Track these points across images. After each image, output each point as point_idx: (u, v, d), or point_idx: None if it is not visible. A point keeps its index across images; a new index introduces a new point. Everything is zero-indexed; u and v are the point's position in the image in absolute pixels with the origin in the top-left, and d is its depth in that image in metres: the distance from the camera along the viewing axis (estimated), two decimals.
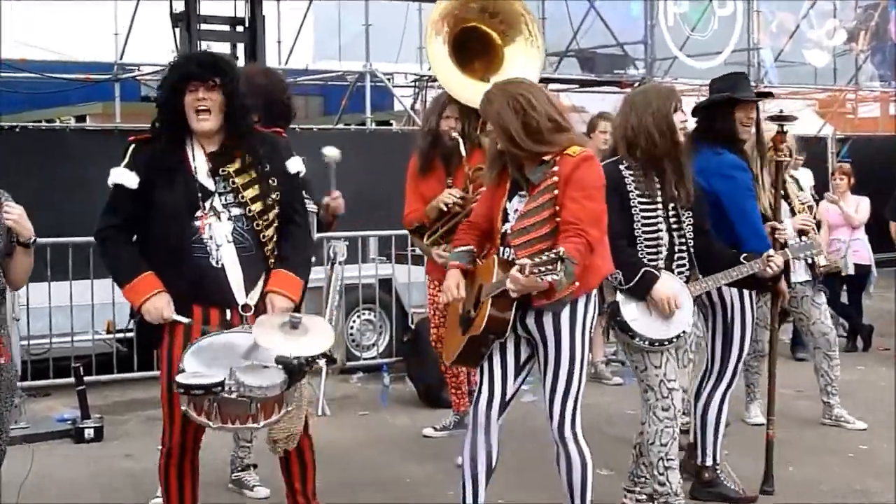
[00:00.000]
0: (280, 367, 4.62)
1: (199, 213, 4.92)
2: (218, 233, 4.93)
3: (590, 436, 5.27)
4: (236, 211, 4.97)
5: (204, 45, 10.68)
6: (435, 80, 16.77)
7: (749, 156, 6.42)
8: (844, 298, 11.79)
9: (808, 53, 21.15)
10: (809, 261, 6.19)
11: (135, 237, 5.03)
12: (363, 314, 10.44)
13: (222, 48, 11.21)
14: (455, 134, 7.19)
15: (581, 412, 5.20)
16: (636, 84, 18.55)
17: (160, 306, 4.88)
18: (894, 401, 9.05)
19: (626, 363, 9.86)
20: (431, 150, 7.35)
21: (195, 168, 4.97)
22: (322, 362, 4.91)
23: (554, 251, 4.68)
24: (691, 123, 6.07)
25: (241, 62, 10.60)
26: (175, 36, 10.56)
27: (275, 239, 5.07)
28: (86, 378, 8.39)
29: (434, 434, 8.06)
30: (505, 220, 5.17)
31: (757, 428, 8.28)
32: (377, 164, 12.89)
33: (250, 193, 4.99)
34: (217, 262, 4.92)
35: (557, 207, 5.00)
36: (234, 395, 4.56)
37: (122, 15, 16.21)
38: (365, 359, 10.38)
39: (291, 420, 5.16)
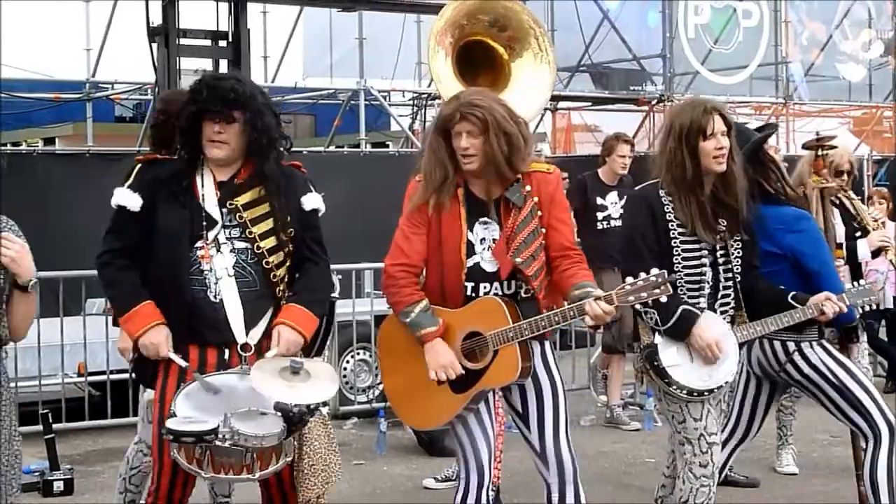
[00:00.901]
0: (279, 414, 4.60)
1: (200, 244, 4.93)
2: (218, 265, 4.93)
3: (606, 485, 5.26)
4: (241, 245, 4.98)
5: (184, 62, 10.71)
6: (435, 98, 16.92)
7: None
8: (883, 334, 11.76)
9: (842, 67, 21.21)
10: (867, 308, 6.10)
11: (137, 263, 5.04)
12: (357, 354, 10.43)
13: (203, 64, 11.26)
14: None
15: (596, 459, 5.19)
16: (654, 102, 18.62)
17: (157, 342, 4.89)
18: None
19: (646, 407, 9.91)
20: None
21: (203, 196, 4.99)
22: (325, 410, 4.90)
23: (653, 274, 4.92)
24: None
25: None
26: (152, 51, 10.59)
27: (286, 279, 5.07)
28: (55, 425, 8.38)
29: (436, 485, 8.03)
30: (470, 253, 5.13)
31: (789, 478, 8.27)
32: (372, 188, 12.92)
33: (260, 229, 4.99)
34: (215, 297, 4.92)
35: (543, 230, 5.08)
36: (227, 444, 4.54)
37: (94, 29, 16.23)
38: (360, 403, 10.36)
39: (318, 473, 5.14)
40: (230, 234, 4.98)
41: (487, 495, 5.23)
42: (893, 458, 6.01)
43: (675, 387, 5.40)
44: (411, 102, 18.93)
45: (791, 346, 6.08)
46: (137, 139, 14.71)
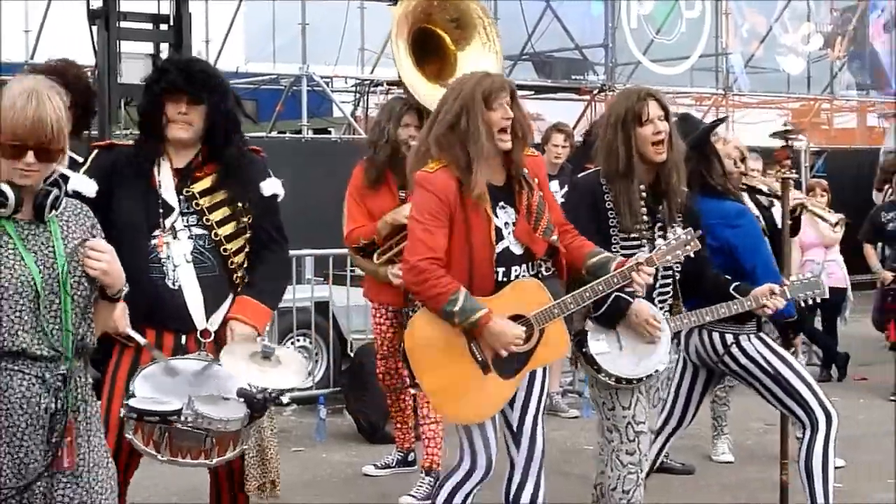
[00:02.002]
0: (241, 400, 4.57)
1: (157, 231, 4.92)
2: (176, 252, 4.91)
3: (545, 473, 5.27)
4: (199, 231, 4.96)
5: (125, 45, 10.62)
6: (377, 85, 16.93)
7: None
8: (818, 324, 11.89)
9: (782, 59, 21.38)
10: (810, 302, 6.14)
11: None
12: (297, 340, 10.40)
13: (145, 48, 11.16)
14: (413, 143, 7.17)
15: None
16: (595, 91, 18.69)
17: (116, 316, 4.78)
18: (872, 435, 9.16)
19: (584, 394, 9.95)
20: (387, 162, 7.29)
21: (160, 182, 4.97)
22: (285, 399, 4.87)
23: (683, 232, 5.22)
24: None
25: None
26: (92, 34, 10.48)
27: (245, 265, 5.05)
28: None
29: (375, 472, 8.04)
30: (499, 238, 5.03)
31: (724, 466, 8.36)
32: (314, 175, 12.89)
33: (217, 216, 4.98)
34: (174, 284, 4.91)
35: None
36: (189, 427, 4.49)
37: (33, 10, 16.09)
38: (299, 390, 10.33)
39: (272, 460, 5.12)
40: (188, 220, 4.96)
41: (476, 485, 5.19)
42: (829, 447, 6.10)
43: (603, 374, 5.44)
44: (354, 89, 18.89)
45: (729, 337, 6.14)
46: None
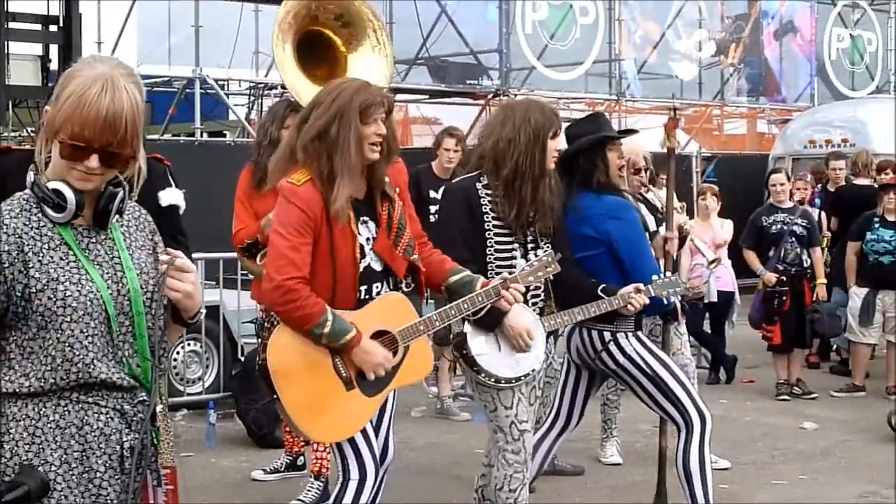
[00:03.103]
0: None
1: None
2: None
3: (435, 477, 5.29)
4: None
5: (13, 46, 10.47)
6: (272, 89, 16.84)
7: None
8: (706, 327, 12.04)
9: (675, 66, 21.63)
10: (672, 299, 6.25)
11: None
12: (188, 345, 10.30)
13: (34, 49, 11.01)
14: None
15: (426, 450, 5.23)
16: (490, 96, 18.76)
17: None
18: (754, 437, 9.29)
19: (475, 399, 9.98)
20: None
21: None
22: (159, 408, 4.79)
23: (543, 254, 5.33)
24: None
25: (54, 65, 10.43)
26: None
27: None
28: None
29: (264, 477, 7.99)
30: (361, 255, 4.93)
31: (613, 467, 8.43)
32: (207, 178, 12.76)
33: None
34: None
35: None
36: None
37: None
38: (189, 394, 10.23)
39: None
40: None
41: (372, 491, 5.10)
42: (704, 448, 6.19)
43: (483, 375, 5.51)
44: (248, 92, 18.80)
45: (607, 335, 6.21)
46: None
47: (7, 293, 3.03)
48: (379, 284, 5.01)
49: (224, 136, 18.51)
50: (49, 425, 3.05)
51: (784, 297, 11.00)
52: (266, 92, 17.31)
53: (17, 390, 3.05)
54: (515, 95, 17.78)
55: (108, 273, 3.13)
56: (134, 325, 3.15)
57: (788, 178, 11.82)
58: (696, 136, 22.45)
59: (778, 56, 23.35)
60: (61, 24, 10.64)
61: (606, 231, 6.08)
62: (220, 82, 16.98)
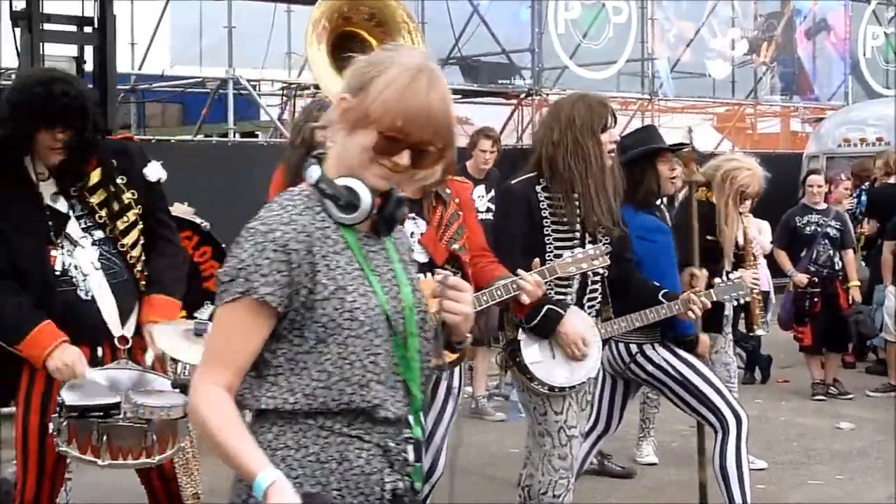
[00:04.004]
0: (177, 391, 4.52)
1: (58, 242, 4.73)
2: (82, 261, 4.74)
3: (470, 477, 5.31)
4: (99, 234, 4.81)
5: (48, 48, 10.52)
6: (304, 89, 16.88)
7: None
8: (741, 326, 11.99)
9: (710, 64, 21.57)
10: (735, 304, 6.23)
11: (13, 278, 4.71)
12: None
13: (68, 51, 11.06)
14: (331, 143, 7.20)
15: (461, 450, 5.25)
16: (522, 96, 18.74)
17: (73, 360, 4.61)
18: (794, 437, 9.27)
19: (511, 398, 9.98)
20: (301, 162, 7.30)
21: (41, 188, 4.76)
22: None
23: (592, 248, 5.30)
24: None
25: (89, 66, 10.47)
26: (15, 36, 10.38)
27: (143, 258, 4.90)
28: None
29: None
30: None
31: (649, 467, 8.42)
32: (240, 178, 12.82)
33: (108, 212, 4.82)
34: (87, 294, 4.75)
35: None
36: (131, 421, 4.44)
37: None
38: None
39: (195, 470, 5.08)
40: (84, 223, 4.81)
41: None
42: (741, 448, 6.18)
43: (536, 383, 5.47)
44: (281, 92, 18.83)
45: (633, 347, 6.22)
46: None
47: (290, 298, 2.78)
48: (421, 276, 5.07)
49: (256, 136, 18.55)
50: (309, 458, 2.82)
51: (815, 299, 10.98)
52: (298, 92, 17.34)
53: (280, 407, 2.81)
54: (548, 95, 17.77)
55: (385, 286, 2.89)
56: (407, 347, 2.90)
57: (827, 181, 11.79)
58: (729, 135, 22.36)
59: (811, 54, 23.24)
60: (96, 26, 10.67)
61: (635, 251, 6.06)
62: (252, 83, 17.01)
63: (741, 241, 7.59)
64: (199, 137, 16.68)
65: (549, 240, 5.45)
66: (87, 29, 10.74)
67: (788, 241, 11.23)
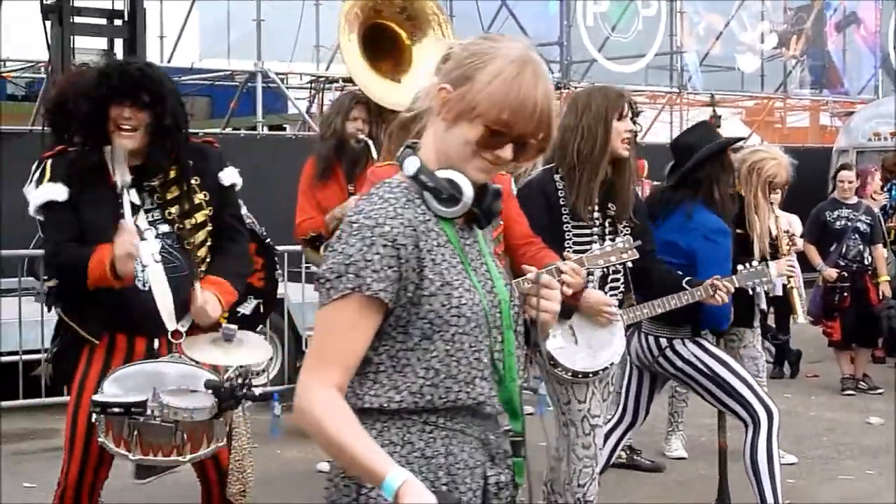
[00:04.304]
0: (210, 392, 4.54)
1: None
2: (144, 252, 4.77)
3: None
4: (164, 228, 4.87)
5: (79, 40, 10.57)
6: (332, 82, 16.88)
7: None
8: (770, 321, 11.96)
9: (740, 57, 21.51)
10: (759, 290, 6.20)
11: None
12: None
13: (99, 43, 11.11)
14: (363, 136, 7.22)
15: None
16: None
17: (125, 249, 4.61)
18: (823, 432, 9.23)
19: (539, 391, 9.97)
20: (334, 155, 7.34)
21: (116, 181, 4.81)
22: (258, 391, 4.83)
23: (620, 240, 5.24)
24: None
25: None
26: (46, 29, 10.43)
27: (208, 260, 4.95)
28: None
29: (329, 469, 8.01)
30: None
31: (678, 461, 8.41)
32: (269, 171, 12.86)
33: (178, 210, 4.89)
34: (144, 285, 4.80)
35: (501, 221, 5.15)
36: (157, 420, 4.46)
37: None
38: (254, 386, 10.27)
39: (244, 469, 5.09)
40: (152, 216, 4.87)
41: None
42: (772, 443, 6.16)
43: (560, 369, 5.48)
44: (309, 86, 18.85)
45: (663, 341, 6.21)
46: (30, 118, 14.47)
47: (397, 293, 2.72)
48: None
49: (284, 129, 18.59)
50: (414, 454, 2.77)
51: (844, 294, 10.94)
52: (327, 85, 17.34)
53: (385, 406, 2.76)
54: (576, 88, 17.74)
55: (480, 280, 2.85)
56: (503, 341, 2.87)
57: (858, 175, 11.74)
58: (758, 129, 22.30)
59: (841, 48, 23.17)
60: (126, 19, 10.72)
61: (692, 248, 6.04)
62: (280, 76, 17.04)
63: (774, 231, 7.55)
64: (228, 130, 16.74)
65: (567, 227, 5.48)
66: (117, 22, 10.79)
67: (818, 235, 11.20)
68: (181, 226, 4.88)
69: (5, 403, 9.36)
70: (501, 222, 5.25)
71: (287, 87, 17.73)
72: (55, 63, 10.15)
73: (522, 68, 2.71)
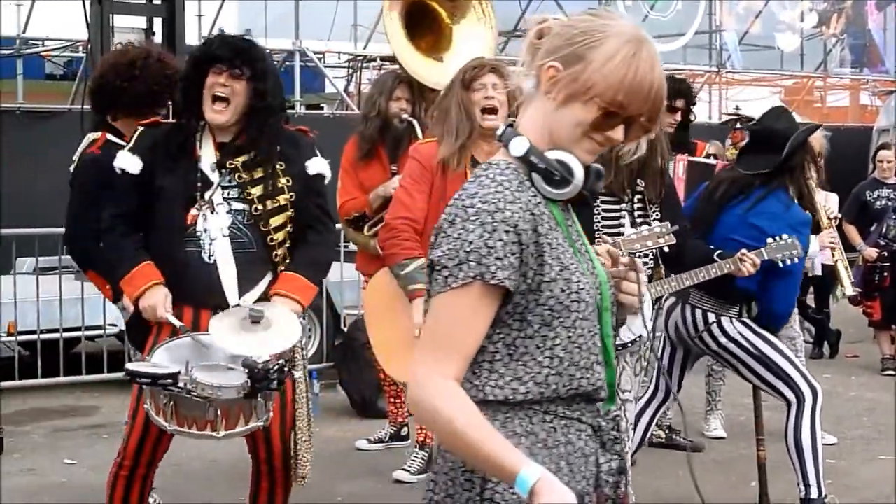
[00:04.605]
0: (245, 370, 4.55)
1: (197, 205, 4.92)
2: (213, 226, 4.89)
3: None
4: (239, 206, 4.94)
5: (118, 19, 10.58)
6: (370, 61, 16.87)
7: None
8: (810, 301, 11.91)
9: (780, 36, 21.37)
10: (788, 262, 6.15)
11: (140, 227, 5.04)
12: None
13: (137, 22, 11.12)
14: (406, 116, 7.21)
15: None
16: None
17: (155, 303, 4.86)
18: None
19: None
20: (377, 135, 7.32)
21: (201, 156, 4.97)
22: (299, 374, 4.84)
23: (657, 225, 5.26)
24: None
25: (157, 38, 10.51)
26: (85, 7, 10.45)
27: (287, 244, 5.04)
28: None
29: (368, 447, 8.05)
30: None
31: (717, 441, 8.38)
32: None
33: (258, 191, 4.96)
34: (209, 258, 4.89)
35: None
36: (186, 394, 4.49)
37: None
38: (293, 369, 10.30)
39: (302, 453, 5.13)
40: (228, 194, 4.93)
41: None
42: (816, 422, 6.13)
43: None
44: (347, 64, 18.84)
45: (711, 316, 6.19)
46: (68, 97, 14.52)
47: (518, 281, 2.63)
48: None
49: (322, 108, 18.58)
50: (538, 444, 2.68)
51: (885, 273, 10.89)
52: (365, 64, 17.34)
53: (509, 397, 2.67)
54: None
55: (583, 261, 2.77)
56: (602, 323, 2.80)
57: None
58: (798, 109, 22.13)
59: (881, 26, 22.97)
60: None
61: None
62: (318, 55, 17.03)
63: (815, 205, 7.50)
64: None
65: (595, 205, 5.42)
66: (156, 0, 10.80)
67: (858, 215, 11.13)
68: (259, 206, 4.94)
69: (46, 381, 9.43)
70: None
71: (325, 66, 17.73)
72: (94, 42, 10.16)
73: (638, 48, 2.65)
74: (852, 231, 11.12)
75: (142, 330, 4.99)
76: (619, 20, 2.70)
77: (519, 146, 2.70)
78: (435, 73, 7.38)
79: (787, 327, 8.03)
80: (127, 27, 11.04)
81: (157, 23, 10.82)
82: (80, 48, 15.35)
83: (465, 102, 5.29)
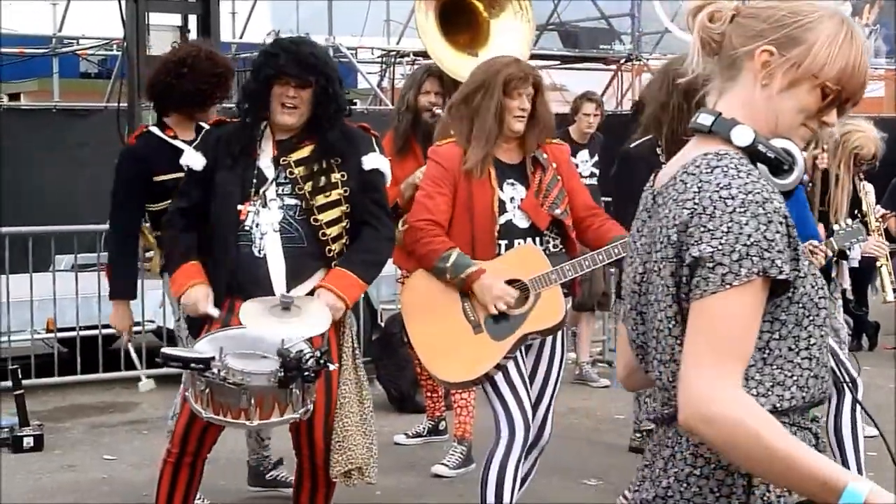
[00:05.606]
0: (278, 359, 4.56)
1: (251, 200, 5.03)
2: (264, 221, 4.99)
3: (575, 443, 5.30)
4: (291, 202, 5.02)
5: (153, 17, 10.61)
6: (403, 56, 16.88)
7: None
8: (848, 293, 11.81)
9: None
10: (856, 249, 6.06)
11: (199, 223, 5.17)
12: None
13: (172, 19, 11.15)
14: (437, 109, 7.20)
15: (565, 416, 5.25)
16: (622, 61, 18.58)
17: (196, 299, 5.01)
18: None
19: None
20: (410, 130, 7.31)
21: (260, 154, 5.09)
22: (332, 367, 4.85)
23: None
24: None
25: (192, 35, 10.54)
26: (120, 6, 10.48)
27: (342, 239, 5.09)
28: (24, 381, 8.31)
29: (406, 441, 8.04)
30: (502, 211, 5.21)
31: None
32: None
33: (311, 186, 5.03)
34: (259, 252, 4.99)
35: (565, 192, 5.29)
36: (218, 380, 4.54)
37: None
38: (329, 361, 10.30)
39: (352, 448, 5.12)
40: (282, 190, 5.02)
41: (521, 454, 5.19)
42: (857, 412, 6.09)
43: None
44: (380, 60, 18.83)
45: None
46: (104, 95, 14.58)
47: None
48: (522, 241, 5.24)
49: (355, 104, 18.55)
50: None
51: None
52: (398, 60, 17.34)
53: (777, 405, 2.43)
54: (647, 60, 17.61)
55: None
56: None
57: None
58: None
59: None
60: None
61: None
62: (351, 50, 17.04)
63: (864, 207, 7.42)
64: None
65: None
66: None
67: None
68: (311, 202, 4.99)
69: (85, 377, 9.46)
70: (566, 194, 5.27)
71: (358, 62, 17.73)
72: (130, 40, 10.19)
73: (849, 29, 2.51)
74: (892, 222, 11.03)
75: (196, 321, 5.13)
76: (826, 4, 2.55)
77: (744, 135, 2.50)
78: (469, 67, 7.36)
79: (832, 318, 7.96)
80: (162, 25, 11.06)
81: (192, 20, 10.84)
82: (116, 46, 15.40)
83: (502, 108, 5.21)
